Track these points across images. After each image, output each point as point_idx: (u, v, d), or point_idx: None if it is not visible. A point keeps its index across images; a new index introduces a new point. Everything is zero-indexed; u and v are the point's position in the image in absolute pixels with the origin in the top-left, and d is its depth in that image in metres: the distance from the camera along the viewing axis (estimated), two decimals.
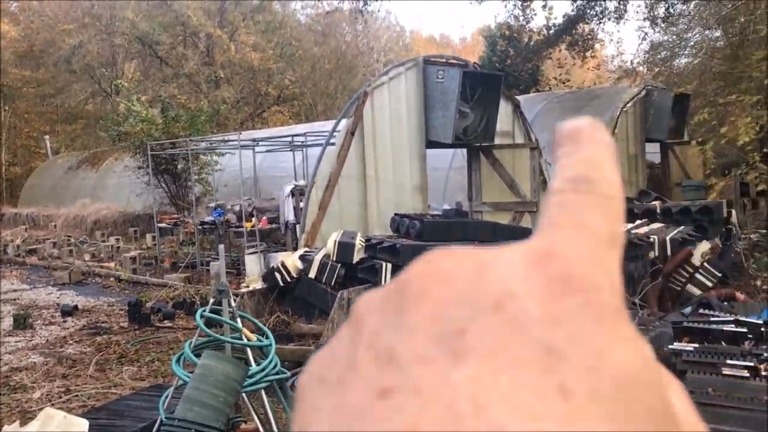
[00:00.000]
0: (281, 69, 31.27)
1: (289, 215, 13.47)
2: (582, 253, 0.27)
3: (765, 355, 3.63)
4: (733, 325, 4.00)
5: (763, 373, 3.53)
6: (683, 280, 7.51)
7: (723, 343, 3.81)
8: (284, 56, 31.11)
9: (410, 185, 11.61)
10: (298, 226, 12.44)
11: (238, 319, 4.45)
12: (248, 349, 4.36)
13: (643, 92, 15.98)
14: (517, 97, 17.45)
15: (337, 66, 32.85)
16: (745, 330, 3.95)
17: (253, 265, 11.76)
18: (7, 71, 37.06)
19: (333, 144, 10.75)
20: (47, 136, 35.96)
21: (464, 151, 12.95)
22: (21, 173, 39.85)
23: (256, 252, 11.70)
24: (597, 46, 27.69)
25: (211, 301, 4.47)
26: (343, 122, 10.85)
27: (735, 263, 8.91)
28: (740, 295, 7.51)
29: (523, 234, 7.12)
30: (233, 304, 4.45)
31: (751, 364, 3.53)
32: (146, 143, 17.47)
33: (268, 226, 13.80)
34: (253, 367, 4.23)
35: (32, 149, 41.37)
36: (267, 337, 4.56)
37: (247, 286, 10.57)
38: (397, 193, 11.36)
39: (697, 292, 7.43)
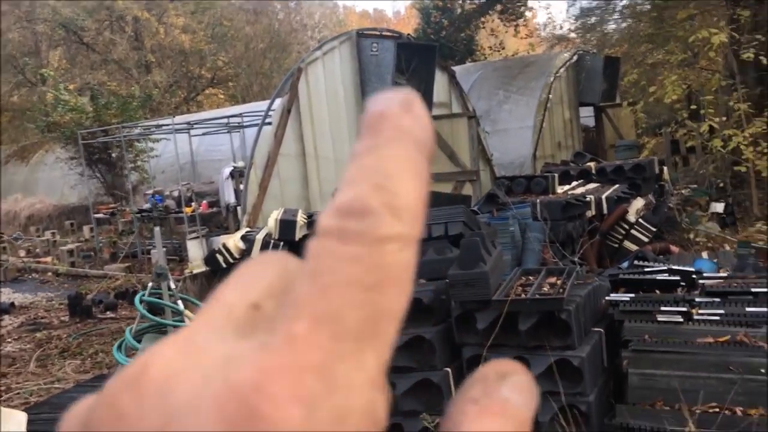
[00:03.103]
0: (213, 50, 30.61)
1: (230, 198, 13.27)
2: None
3: (697, 300, 3.76)
4: (666, 274, 4.13)
5: (695, 317, 3.67)
6: (620, 236, 7.72)
7: (657, 291, 3.94)
8: (216, 37, 30.45)
9: None
10: (239, 208, 12.28)
11: (179, 302, 4.38)
12: None
13: (575, 57, 16.25)
14: (453, 67, 17.52)
15: (270, 45, 32.34)
16: (678, 278, 4.09)
17: (195, 249, 11.57)
18: None
19: (270, 124, 10.60)
20: None
21: None
22: None
23: (198, 237, 11.50)
24: (528, 14, 28.02)
25: (150, 285, 4.38)
26: (279, 100, 10.69)
27: (669, 218, 9.20)
28: (674, 248, 7.78)
29: (460, 201, 7.17)
30: (173, 286, 4.37)
31: (684, 309, 3.66)
32: (77, 133, 16.91)
33: (209, 210, 13.58)
34: None
35: None
36: None
37: (191, 271, 10.41)
38: (339, 169, 11.30)
39: (633, 247, 7.64)
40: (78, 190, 20.29)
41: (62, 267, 13.67)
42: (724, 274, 4.11)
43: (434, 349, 3.81)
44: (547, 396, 3.54)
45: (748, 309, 3.58)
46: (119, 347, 4.23)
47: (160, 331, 4.36)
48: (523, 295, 3.70)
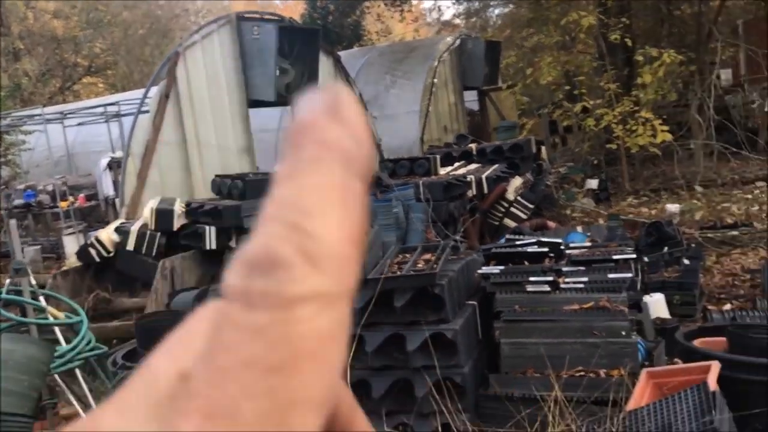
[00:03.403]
0: (89, 37, 29.05)
1: (108, 190, 12.70)
2: None
3: (563, 269, 3.92)
4: (535, 246, 4.28)
5: (562, 286, 3.81)
6: (500, 214, 7.95)
7: (526, 263, 4.07)
8: (91, 23, 28.90)
9: (235, 148, 11.30)
10: (118, 200, 11.76)
11: (42, 298, 4.12)
12: (56, 328, 4.06)
13: (458, 42, 16.56)
14: (339, 52, 17.44)
15: (151, 30, 31.07)
16: (546, 250, 4.24)
17: (73, 245, 10.99)
18: None
19: (147, 111, 10.18)
20: None
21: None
22: None
23: (75, 232, 10.93)
24: (415, 0, 28.30)
25: (8, 282, 4.10)
26: (156, 87, 10.28)
27: (547, 195, 9.57)
28: (551, 224, 8.10)
29: None
30: (33, 282, 4.10)
31: (551, 278, 3.80)
32: None
33: (87, 203, 12.93)
34: (63, 346, 3.94)
35: None
36: (78, 314, 4.27)
37: (59, 268, 9.87)
38: (223, 156, 11.02)
39: (513, 224, 7.90)
40: None
41: None
42: (588, 244, 4.30)
43: None
44: (423, 371, 3.59)
45: (609, 275, 3.76)
46: None
47: (20, 330, 4.09)
48: (398, 273, 3.72)
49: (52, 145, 16.34)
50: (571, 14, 9.38)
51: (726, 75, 11.54)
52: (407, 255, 4.10)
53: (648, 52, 9.46)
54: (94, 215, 13.85)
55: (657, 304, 5.41)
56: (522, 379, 3.63)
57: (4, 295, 4.05)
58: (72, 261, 10.84)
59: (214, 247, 6.52)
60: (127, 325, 5.82)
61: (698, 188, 9.88)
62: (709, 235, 7.46)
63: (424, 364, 3.56)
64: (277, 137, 15.95)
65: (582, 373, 3.56)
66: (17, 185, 16.10)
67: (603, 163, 11.37)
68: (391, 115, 15.43)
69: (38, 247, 12.33)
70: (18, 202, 13.31)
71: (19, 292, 4.10)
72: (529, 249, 4.21)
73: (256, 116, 12.38)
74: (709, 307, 5.92)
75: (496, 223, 8.03)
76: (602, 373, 3.51)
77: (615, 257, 3.88)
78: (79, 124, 15.69)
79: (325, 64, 12.77)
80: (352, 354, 3.73)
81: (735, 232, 7.46)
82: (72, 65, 29.59)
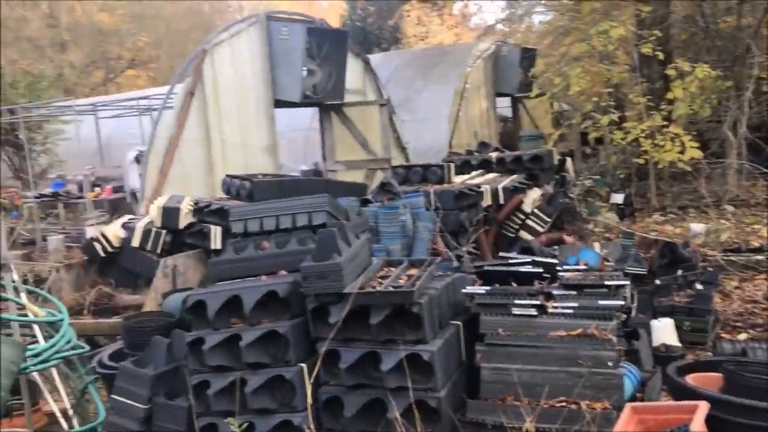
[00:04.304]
0: (133, 30, 29.53)
1: (135, 183, 12.78)
2: None
3: (554, 293, 3.74)
4: (529, 266, 4.11)
5: (550, 311, 3.64)
6: (516, 226, 7.74)
7: (513, 284, 3.90)
8: (135, 16, 29.37)
9: (260, 147, 11.29)
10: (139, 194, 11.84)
11: (23, 294, 4.09)
12: (35, 326, 4.02)
13: (492, 48, 16.33)
14: (374, 54, 17.34)
15: (193, 26, 31.42)
16: (540, 270, 4.07)
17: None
18: None
19: (171, 107, 10.23)
20: None
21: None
22: None
23: (96, 223, 11.03)
24: (460, 4, 28.00)
25: None
26: (181, 84, 10.33)
27: (569, 209, 9.31)
28: (568, 238, 7.86)
29: (356, 190, 7.05)
30: (16, 278, 4.08)
31: (538, 302, 3.62)
32: None
33: (114, 195, 13.06)
34: (40, 345, 3.90)
35: None
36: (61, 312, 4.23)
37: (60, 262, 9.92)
38: (247, 155, 11.03)
39: (529, 237, 7.69)
40: None
41: None
42: (582, 267, 4.11)
43: (288, 344, 3.67)
44: (396, 392, 3.45)
45: (599, 302, 3.57)
46: None
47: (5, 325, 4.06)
48: (377, 288, 3.59)
49: (91, 135, 16.60)
50: (602, 24, 9.11)
51: None
52: (392, 269, 3.96)
53: (680, 66, 9.15)
54: (121, 207, 13.99)
55: (664, 330, 5.18)
56: (501, 406, 3.46)
57: None
58: None
59: (219, 246, 6.46)
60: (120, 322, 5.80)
61: (728, 207, 9.52)
62: (732, 258, 7.15)
63: (399, 385, 3.43)
64: (307, 137, 15.96)
65: (563, 404, 3.39)
66: (52, 174, 16.41)
67: (634, 177, 11.05)
68: (421, 119, 15.28)
69: (62, 236, 12.48)
70: (47, 190, 13.51)
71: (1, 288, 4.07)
72: (523, 269, 4.04)
73: (286, 115, 12.39)
74: (723, 335, 5.66)
75: (512, 235, 7.82)
76: (584, 405, 3.33)
77: (608, 283, 3.68)
78: (114, 116, 15.88)
79: (353, 66, 12.69)
80: (323, 370, 3.62)
81: (760, 257, 7.13)
82: (115, 58, 30.14)
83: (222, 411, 3.72)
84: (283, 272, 4.04)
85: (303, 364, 3.67)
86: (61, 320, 4.16)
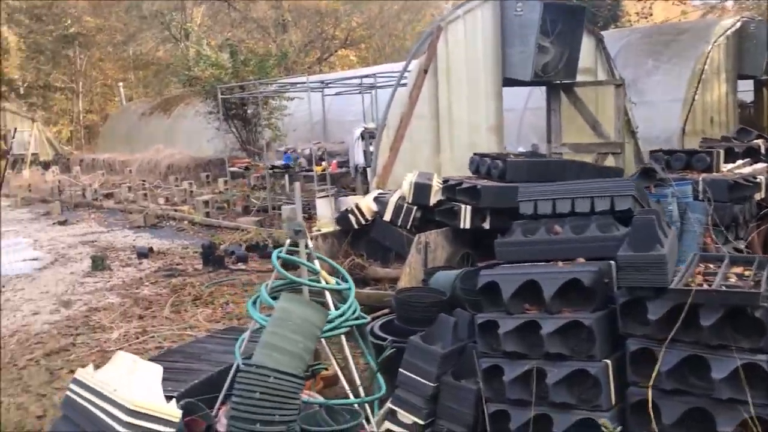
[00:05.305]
0: (348, 11, 30.61)
1: (359, 158, 13.20)
2: None
3: None
4: None
5: None
6: None
7: None
8: None
9: (485, 126, 11.09)
10: (369, 169, 12.16)
11: (316, 261, 4.19)
12: (327, 293, 4.10)
13: (738, 24, 14.77)
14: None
15: (405, 6, 31.92)
16: None
17: (324, 208, 11.59)
18: (82, 19, 37.67)
19: (404, 85, 10.31)
20: (121, 84, 36.56)
21: (542, 90, 12.27)
22: (97, 120, 40.91)
23: (327, 196, 11.49)
24: None
25: (287, 242, 4.21)
26: (415, 61, 10.36)
27: None
28: None
29: (613, 174, 6.59)
30: (311, 245, 4.18)
31: None
32: (216, 87, 17.40)
33: (338, 170, 13.56)
34: (333, 312, 3.97)
35: (107, 96, 42.34)
36: (345, 281, 4.29)
37: (319, 230, 10.38)
38: (472, 133, 10.88)
39: None
40: (214, 143, 21.01)
41: (197, 216, 14.14)
42: None
43: (593, 338, 3.40)
44: (730, 404, 3.05)
45: None
46: (254, 303, 4.11)
47: (295, 289, 4.19)
48: (705, 286, 3.20)
49: (307, 111, 17.45)
50: None
51: None
52: (710, 265, 3.54)
53: None
54: (341, 181, 14.52)
55: None
56: None
57: (283, 255, 4.17)
58: (322, 222, 11.45)
59: (467, 226, 6.35)
60: (380, 294, 5.87)
61: None
62: None
63: (732, 398, 3.03)
64: (521, 118, 15.53)
65: None
66: (276, 147, 17.44)
67: None
68: (650, 102, 14.23)
69: (293, 206, 13.19)
70: (278, 162, 14.34)
71: (295, 254, 4.20)
72: None
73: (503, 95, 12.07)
74: None
75: None
76: None
77: None
78: (337, 93, 16.50)
79: (586, 44, 12.06)
80: (632, 370, 3.30)
81: None
82: (330, 38, 31.47)
83: (515, 400, 3.54)
84: (581, 260, 3.77)
85: (608, 360, 3.39)
86: (349, 289, 4.22)
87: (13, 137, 20.98)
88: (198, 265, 9.92)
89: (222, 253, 10.10)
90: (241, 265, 9.75)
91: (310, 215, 13.29)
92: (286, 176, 15.04)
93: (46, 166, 27.90)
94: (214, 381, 4.40)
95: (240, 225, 12.58)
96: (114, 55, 38.98)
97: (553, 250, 3.85)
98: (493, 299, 3.78)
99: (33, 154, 29.13)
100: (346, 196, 12.20)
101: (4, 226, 14.82)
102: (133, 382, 2.87)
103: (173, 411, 2.89)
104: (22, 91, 40.26)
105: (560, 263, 3.77)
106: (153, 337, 6.71)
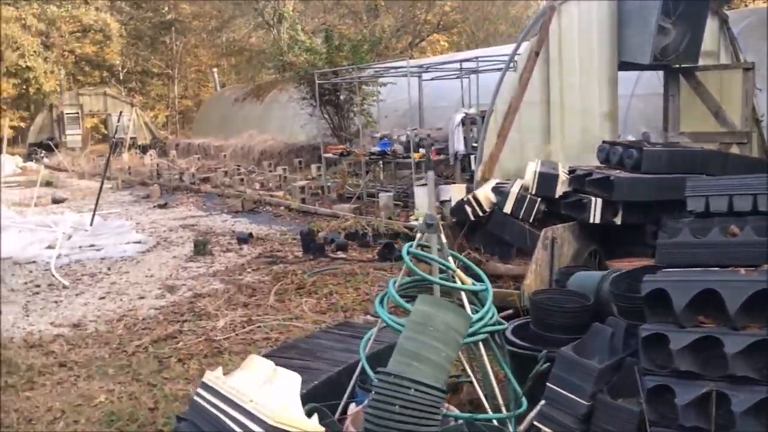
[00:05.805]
0: None
1: (459, 146, 12.72)
2: None
3: None
4: None
5: None
6: None
7: None
8: None
9: (598, 112, 10.42)
10: (473, 156, 11.69)
11: (450, 259, 3.82)
12: (464, 295, 3.72)
13: None
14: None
15: None
16: None
17: (423, 197, 11.21)
18: (178, 6, 38.65)
19: (512, 69, 9.77)
20: (215, 69, 37.28)
21: (653, 75, 11.46)
22: (191, 105, 42.01)
23: (426, 184, 11.09)
24: None
25: (418, 236, 3.86)
26: (525, 43, 9.80)
27: None
28: None
29: (760, 167, 5.93)
30: (444, 240, 3.81)
31: None
32: (310, 73, 17.27)
33: (436, 157, 13.14)
34: (472, 316, 3.58)
35: (201, 82, 43.39)
36: (480, 280, 3.90)
37: (416, 219, 9.99)
38: (584, 120, 10.23)
39: None
40: (306, 129, 20.97)
41: (294, 202, 14.06)
42: None
43: None
44: None
45: None
46: (381, 301, 3.78)
47: (427, 288, 3.84)
48: None
49: (401, 97, 17.06)
50: None
51: None
52: None
53: None
54: (438, 169, 14.09)
55: None
56: None
57: (413, 250, 3.82)
58: (420, 212, 11.08)
59: (597, 221, 5.84)
60: (503, 293, 5.45)
61: None
62: None
63: None
64: (629, 104, 14.66)
65: None
66: (369, 133, 17.16)
67: None
68: None
69: (391, 194, 12.90)
70: (373, 149, 14.05)
71: (426, 248, 3.84)
72: None
73: None
74: None
75: None
76: None
77: None
78: (433, 78, 16.04)
79: (708, 25, 11.14)
80: None
81: None
82: (422, 22, 30.98)
83: (690, 427, 3.07)
84: (766, 266, 3.23)
85: None
86: (485, 290, 3.83)
87: (118, 121, 21.63)
88: (298, 252, 9.75)
89: (321, 241, 9.90)
90: (340, 254, 9.52)
91: (405, 203, 12.98)
92: (381, 163, 14.74)
93: (144, 149, 28.74)
94: (334, 382, 4.12)
95: (337, 212, 12.38)
96: (208, 42, 39.82)
97: (731, 254, 3.33)
98: (658, 309, 3.31)
99: (131, 138, 30.07)
100: (445, 184, 11.80)
101: (107, 208, 15.21)
102: (272, 393, 2.58)
103: (317, 428, 2.59)
104: (121, 77, 41.76)
105: (742, 270, 3.25)
106: (260, 327, 6.53)
